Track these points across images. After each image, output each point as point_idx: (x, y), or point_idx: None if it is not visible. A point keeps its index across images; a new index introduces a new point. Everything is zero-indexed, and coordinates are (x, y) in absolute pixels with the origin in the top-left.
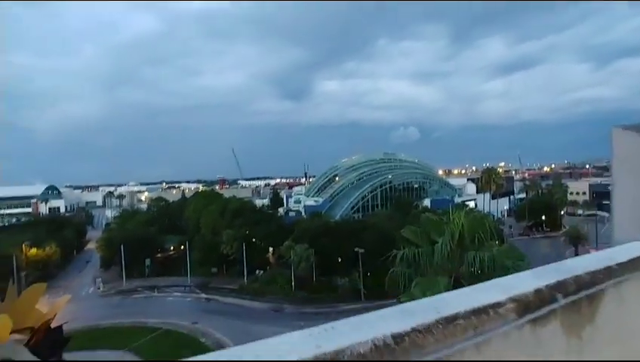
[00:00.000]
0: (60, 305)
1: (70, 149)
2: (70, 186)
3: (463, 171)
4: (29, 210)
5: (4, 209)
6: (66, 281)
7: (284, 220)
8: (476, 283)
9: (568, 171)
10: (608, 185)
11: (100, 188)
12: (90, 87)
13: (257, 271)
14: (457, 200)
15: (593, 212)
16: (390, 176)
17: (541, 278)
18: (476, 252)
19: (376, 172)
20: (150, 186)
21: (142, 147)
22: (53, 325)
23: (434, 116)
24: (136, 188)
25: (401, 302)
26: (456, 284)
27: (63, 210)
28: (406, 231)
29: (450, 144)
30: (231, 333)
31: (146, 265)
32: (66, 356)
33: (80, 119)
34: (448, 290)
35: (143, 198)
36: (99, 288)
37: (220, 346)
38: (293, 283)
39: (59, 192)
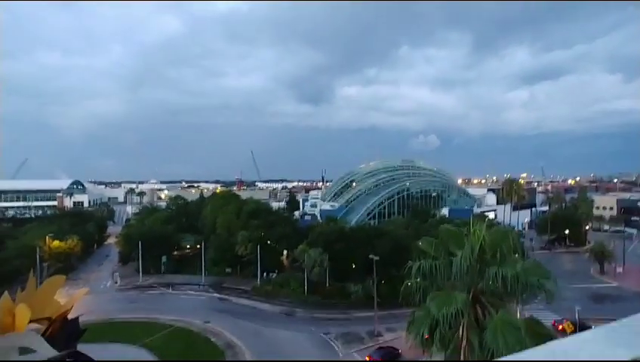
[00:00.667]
0: (78, 297)
1: (94, 146)
2: (94, 182)
3: (483, 181)
4: (55, 203)
5: (32, 201)
6: (86, 274)
7: (299, 224)
8: (497, 300)
9: (594, 185)
10: (638, 200)
11: (122, 185)
12: (116, 85)
13: (271, 274)
14: (476, 210)
15: (621, 228)
16: (408, 184)
17: None
18: (498, 267)
19: (393, 179)
20: (170, 185)
21: (163, 146)
22: (70, 316)
23: (454, 124)
24: (156, 186)
25: (415, 315)
26: (475, 301)
27: (86, 204)
28: (423, 243)
29: (470, 152)
30: (242, 334)
31: (163, 262)
32: (80, 347)
33: (104, 117)
34: (466, 306)
35: (162, 196)
36: (116, 282)
37: (230, 347)
38: (305, 287)
39: (83, 187)
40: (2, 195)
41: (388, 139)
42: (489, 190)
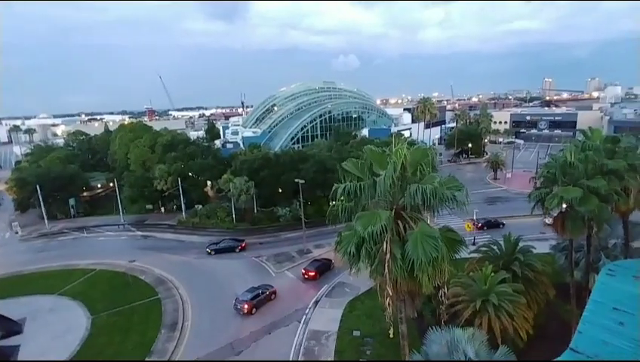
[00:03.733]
0: None
1: None
2: None
3: (400, 101)
4: None
5: None
6: None
7: (221, 153)
8: (416, 214)
9: (494, 102)
10: (526, 115)
11: (3, 122)
12: None
13: (196, 206)
14: (394, 129)
15: (512, 140)
16: (330, 106)
17: None
18: (419, 184)
19: (315, 101)
20: (66, 119)
21: (54, 72)
22: None
23: (374, 43)
24: (49, 121)
25: (342, 235)
26: (397, 217)
27: None
28: (348, 164)
29: (389, 72)
30: (172, 268)
31: (71, 205)
32: None
33: None
34: (389, 223)
35: (58, 132)
36: (16, 232)
37: (161, 282)
38: (234, 216)
39: None
40: None
41: (309, 60)
42: (405, 109)
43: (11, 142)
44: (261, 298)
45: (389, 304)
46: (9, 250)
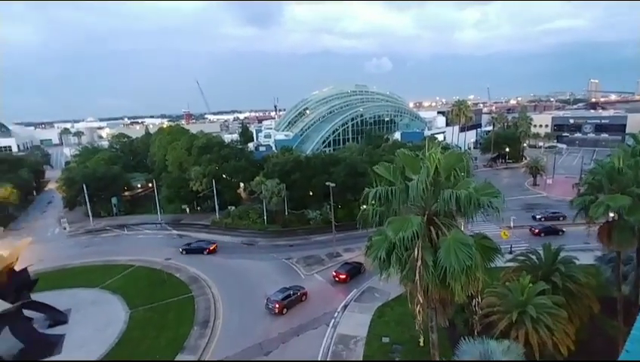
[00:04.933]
0: (22, 248)
1: (12, 82)
2: (21, 123)
3: (433, 104)
4: None
5: None
6: (28, 223)
7: (254, 155)
8: (449, 220)
9: (533, 104)
10: (569, 117)
11: (55, 125)
12: (23, 5)
13: (229, 207)
14: (427, 133)
15: (553, 144)
16: (361, 110)
17: None
18: (452, 189)
19: (347, 105)
20: (111, 122)
21: (96, 78)
22: (17, 268)
23: (407, 45)
24: (95, 124)
25: (373, 240)
26: (429, 223)
27: (15, 148)
28: (380, 168)
29: (422, 75)
30: (204, 267)
31: (113, 204)
32: (35, 296)
33: (18, 46)
34: (421, 229)
35: (103, 135)
36: (64, 228)
37: (195, 280)
38: (265, 218)
39: (7, 130)
40: None
41: (341, 63)
42: (439, 112)
43: (62, 143)
44: (292, 299)
45: (419, 311)
46: (58, 245)
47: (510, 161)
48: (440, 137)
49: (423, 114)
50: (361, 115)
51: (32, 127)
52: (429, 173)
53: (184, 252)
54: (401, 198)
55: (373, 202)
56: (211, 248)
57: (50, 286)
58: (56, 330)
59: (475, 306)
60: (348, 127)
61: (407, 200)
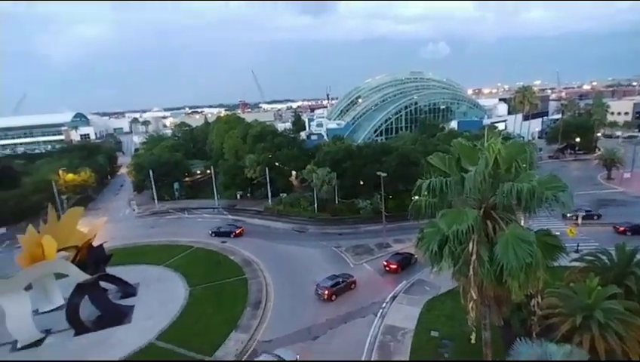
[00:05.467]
0: (99, 226)
1: (89, 77)
2: (97, 113)
3: (494, 90)
4: (62, 137)
5: (39, 136)
6: (104, 204)
7: (306, 144)
8: (508, 215)
9: (611, 89)
10: None
11: (126, 115)
12: (99, 6)
13: (281, 194)
14: (486, 121)
15: (634, 133)
16: (416, 97)
17: None
18: (513, 182)
19: (401, 93)
20: (174, 112)
21: (159, 71)
22: (94, 243)
23: (467, 28)
24: (160, 114)
25: (424, 232)
26: (486, 217)
27: (92, 136)
28: (434, 158)
29: (483, 59)
30: (257, 251)
31: (175, 188)
32: (109, 270)
33: (95, 44)
34: (477, 222)
35: (167, 124)
36: (134, 210)
37: (248, 263)
38: (315, 206)
39: (87, 119)
40: (9, 132)
41: (395, 50)
42: (500, 100)
43: (132, 132)
44: (341, 286)
45: (472, 308)
46: (128, 225)
47: (580, 151)
48: (501, 126)
49: (482, 101)
50: (416, 103)
51: (107, 117)
52: (488, 165)
53: (213, 234)
54: (457, 190)
55: (425, 193)
56: (237, 231)
57: (121, 262)
58: (127, 302)
59: (534, 306)
60: (401, 116)
61: (463, 192)
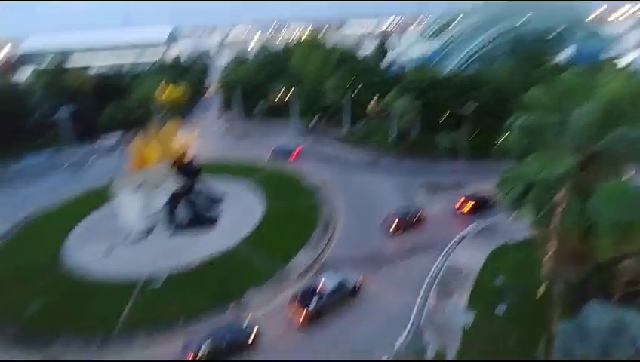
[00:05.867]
0: (192, 140)
1: None
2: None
3: (625, 14)
4: (156, 58)
5: (140, 58)
6: (196, 120)
7: (388, 72)
8: (612, 166)
9: None
10: None
11: (216, 31)
12: None
13: (358, 122)
14: (608, 54)
15: None
16: (519, 21)
17: None
18: (630, 127)
19: (504, 14)
20: (262, 27)
21: None
22: (188, 156)
23: None
24: (247, 30)
25: (508, 174)
26: (585, 164)
27: (183, 58)
28: (534, 93)
29: None
30: (330, 177)
31: (258, 110)
32: (198, 182)
33: None
34: (572, 171)
35: (252, 43)
36: (222, 127)
37: (316, 189)
38: (393, 137)
39: (177, 39)
40: (114, 50)
41: None
42: (633, 26)
43: (219, 50)
44: (410, 221)
45: (548, 260)
46: (216, 141)
47: None
48: (627, 59)
49: (610, 28)
50: (519, 28)
51: (197, 36)
52: (599, 106)
53: (274, 153)
54: (556, 132)
55: (518, 132)
56: (297, 151)
57: (210, 174)
58: (214, 210)
59: (621, 269)
60: (500, 43)
61: (563, 134)
